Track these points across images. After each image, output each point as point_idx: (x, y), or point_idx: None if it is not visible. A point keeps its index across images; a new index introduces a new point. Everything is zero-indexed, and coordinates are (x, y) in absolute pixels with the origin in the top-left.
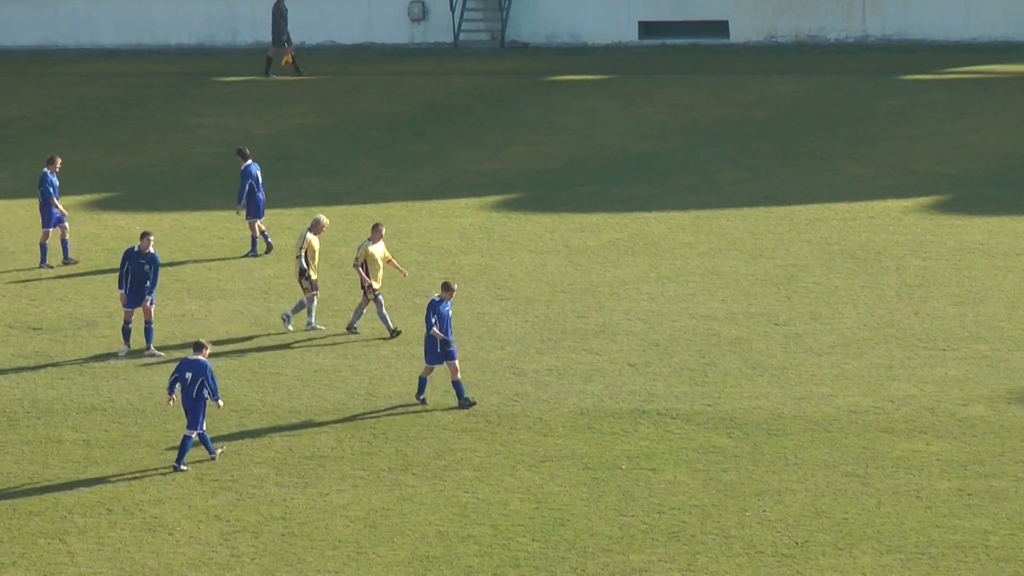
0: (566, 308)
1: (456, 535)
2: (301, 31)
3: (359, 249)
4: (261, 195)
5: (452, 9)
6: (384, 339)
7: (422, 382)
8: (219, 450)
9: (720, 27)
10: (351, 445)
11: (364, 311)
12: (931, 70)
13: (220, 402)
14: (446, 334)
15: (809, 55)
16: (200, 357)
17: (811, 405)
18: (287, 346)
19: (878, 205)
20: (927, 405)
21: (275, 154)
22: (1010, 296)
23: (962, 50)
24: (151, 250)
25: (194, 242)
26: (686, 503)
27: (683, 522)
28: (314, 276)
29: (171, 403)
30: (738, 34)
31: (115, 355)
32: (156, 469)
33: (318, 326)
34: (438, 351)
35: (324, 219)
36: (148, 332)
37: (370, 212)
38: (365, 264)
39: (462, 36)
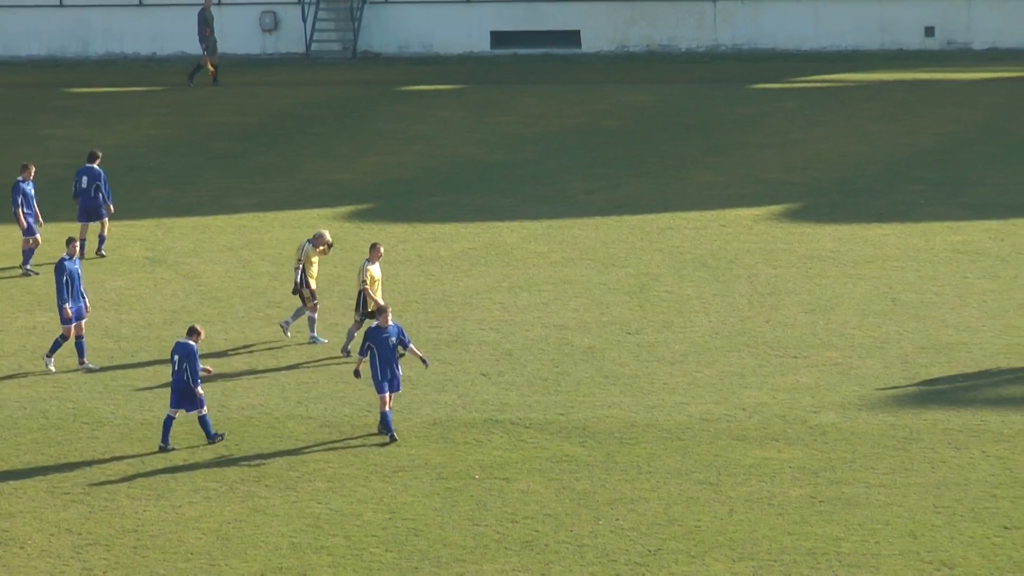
0: (419, 318)
1: (309, 546)
2: (153, 42)
3: (361, 271)
4: (95, 200)
5: (304, 19)
6: (237, 351)
7: (386, 417)
8: (220, 437)
9: (572, 37)
10: (203, 457)
11: (356, 333)
12: (781, 79)
13: (199, 389)
14: (388, 365)
15: (660, 64)
16: (190, 341)
17: (663, 413)
18: (139, 359)
19: (729, 213)
20: (779, 413)
21: (126, 165)
22: (860, 303)
23: (812, 59)
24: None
25: (44, 254)
26: (539, 512)
27: (536, 531)
28: (313, 287)
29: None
30: (590, 44)
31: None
32: (6, 482)
33: (320, 339)
34: (379, 379)
35: (327, 234)
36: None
37: (221, 223)
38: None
39: (314, 46)
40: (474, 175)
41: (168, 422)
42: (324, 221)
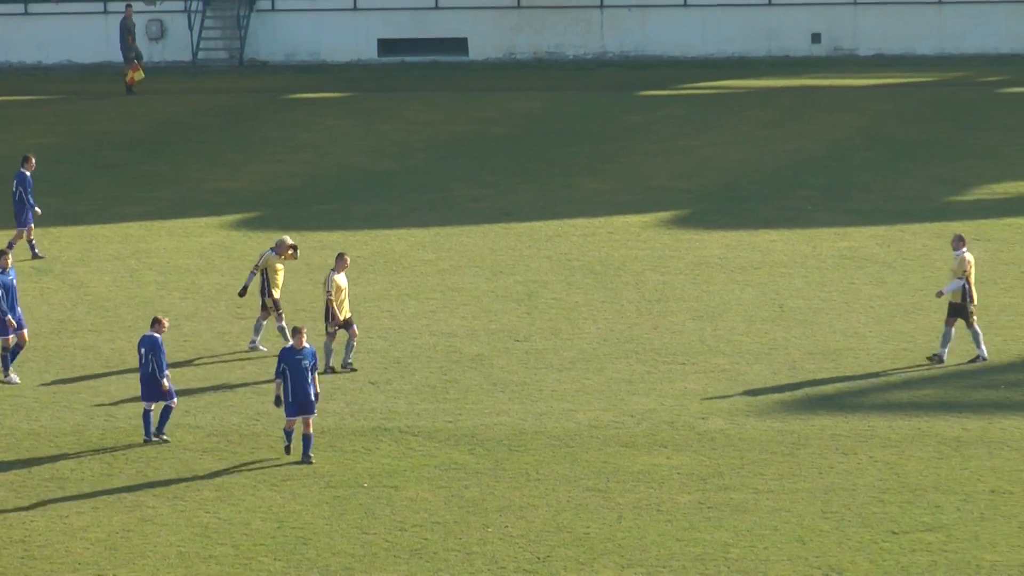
0: (308, 327)
1: (198, 555)
2: (39, 50)
3: (327, 281)
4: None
5: (190, 27)
6: (124, 360)
7: (288, 434)
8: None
9: (459, 44)
10: (90, 467)
11: (332, 347)
12: (669, 86)
13: (166, 380)
14: (302, 388)
15: (548, 72)
16: (154, 333)
17: (552, 420)
18: (26, 369)
19: (617, 220)
20: (667, 419)
21: (12, 174)
22: (748, 310)
23: (699, 66)
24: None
25: None
26: (428, 520)
27: (425, 539)
28: (276, 296)
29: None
30: (477, 51)
31: None
32: None
33: (261, 347)
34: (289, 400)
35: (287, 239)
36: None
37: (108, 233)
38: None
39: (201, 54)
40: (361, 183)
41: (146, 416)
42: (211, 230)
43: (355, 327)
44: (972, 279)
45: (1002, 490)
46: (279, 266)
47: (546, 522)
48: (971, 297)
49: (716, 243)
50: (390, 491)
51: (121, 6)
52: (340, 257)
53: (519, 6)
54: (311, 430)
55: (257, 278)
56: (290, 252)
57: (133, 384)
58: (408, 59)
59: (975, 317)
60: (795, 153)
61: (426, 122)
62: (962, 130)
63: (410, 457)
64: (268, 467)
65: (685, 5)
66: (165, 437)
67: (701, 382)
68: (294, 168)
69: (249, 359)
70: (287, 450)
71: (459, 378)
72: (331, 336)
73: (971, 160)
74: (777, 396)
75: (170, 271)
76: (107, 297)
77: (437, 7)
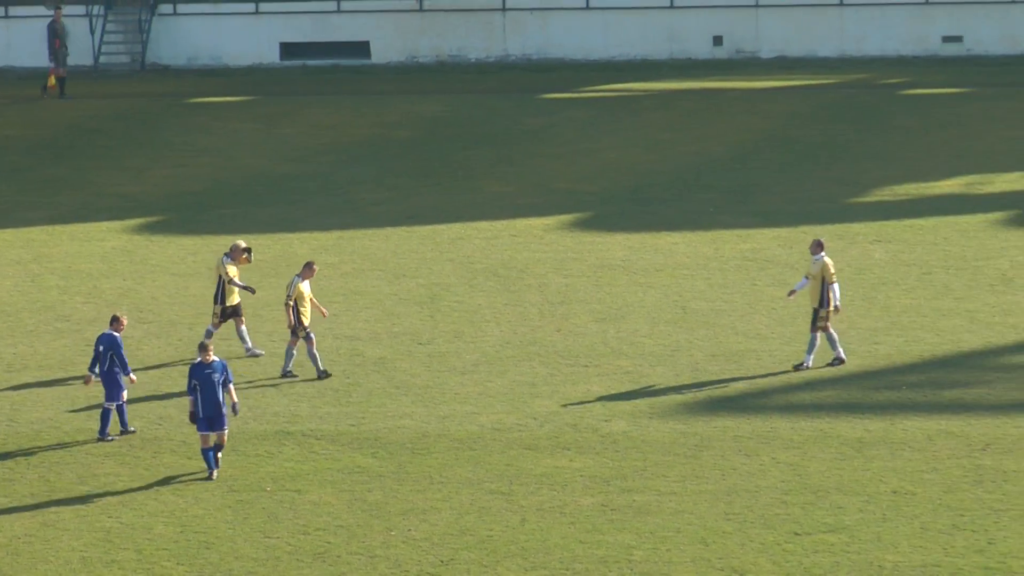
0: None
1: (100, 560)
2: None
3: (290, 287)
4: None
5: (92, 31)
6: (26, 365)
7: (206, 455)
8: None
9: (361, 48)
10: None
11: (295, 352)
12: (571, 88)
13: (132, 376)
14: (212, 402)
15: (450, 75)
16: (113, 332)
17: (455, 423)
18: None
19: (520, 223)
20: (570, 421)
21: None
22: (651, 312)
23: (601, 68)
24: None
25: None
26: (331, 524)
27: (328, 543)
28: (231, 302)
29: (88, 382)
30: (379, 54)
31: None
32: None
33: (258, 351)
34: (201, 416)
35: (241, 243)
36: None
37: (10, 237)
38: (296, 302)
39: (102, 59)
40: (264, 187)
41: (105, 415)
42: (113, 234)
43: (312, 336)
44: (835, 283)
45: (904, 491)
46: (234, 271)
47: (449, 525)
48: (828, 302)
49: (619, 245)
50: (293, 495)
51: (21, 10)
52: (308, 266)
53: (421, 9)
54: (224, 441)
55: (215, 284)
56: (244, 258)
57: (36, 390)
58: (310, 63)
59: (829, 322)
60: (697, 155)
61: (329, 126)
62: (864, 132)
63: (313, 461)
64: (170, 472)
65: (587, 8)
66: (131, 428)
67: (604, 384)
68: (197, 172)
69: (153, 365)
70: (211, 476)
71: (362, 381)
72: (296, 341)
73: (873, 162)
74: (680, 398)
75: (72, 276)
76: (8, 302)
77: (339, 10)
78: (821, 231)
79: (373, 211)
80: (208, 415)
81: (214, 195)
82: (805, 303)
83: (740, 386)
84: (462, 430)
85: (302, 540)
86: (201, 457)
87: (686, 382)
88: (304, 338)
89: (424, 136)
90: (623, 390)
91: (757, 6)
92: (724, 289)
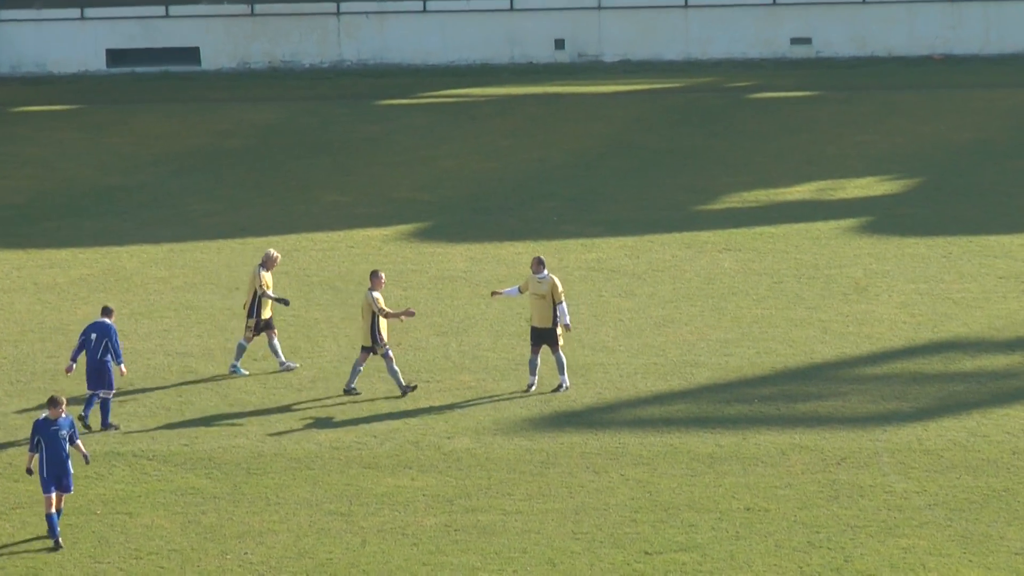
0: (35, 348)
1: None
2: None
3: (371, 297)
4: None
5: None
6: None
7: (51, 520)
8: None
9: (191, 54)
10: None
11: (361, 368)
12: (409, 95)
13: (123, 368)
14: (58, 460)
15: (284, 81)
16: (107, 320)
17: (292, 442)
18: None
19: (358, 234)
20: (411, 439)
21: None
22: (493, 325)
23: (440, 73)
24: None
25: None
26: (164, 547)
27: (162, 567)
28: (264, 315)
29: (71, 370)
30: (210, 61)
31: None
32: None
33: (292, 364)
34: (46, 476)
35: (273, 251)
36: None
37: None
38: (374, 318)
39: None
40: (91, 199)
41: (105, 404)
42: None
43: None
44: (563, 302)
45: (757, 507)
46: (269, 281)
47: (287, 548)
48: (559, 322)
49: (460, 256)
50: (124, 518)
51: None
52: (374, 274)
53: (253, 14)
54: (62, 505)
55: (249, 297)
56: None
57: None
58: (138, 70)
59: (562, 342)
60: (540, 163)
61: (158, 135)
62: (711, 137)
63: (145, 482)
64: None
65: (424, 11)
66: (115, 424)
67: (446, 400)
68: (20, 184)
69: None
70: (57, 544)
71: (195, 400)
72: (366, 358)
73: (721, 167)
74: (525, 413)
75: None
76: None
77: (167, 15)
78: (668, 240)
79: (205, 223)
80: (55, 474)
81: (38, 207)
82: (655, 314)
83: (587, 400)
84: (299, 449)
85: (134, 565)
86: (51, 535)
87: (531, 397)
88: (383, 356)
89: (257, 145)
90: (466, 406)
91: (599, 8)
92: (569, 300)
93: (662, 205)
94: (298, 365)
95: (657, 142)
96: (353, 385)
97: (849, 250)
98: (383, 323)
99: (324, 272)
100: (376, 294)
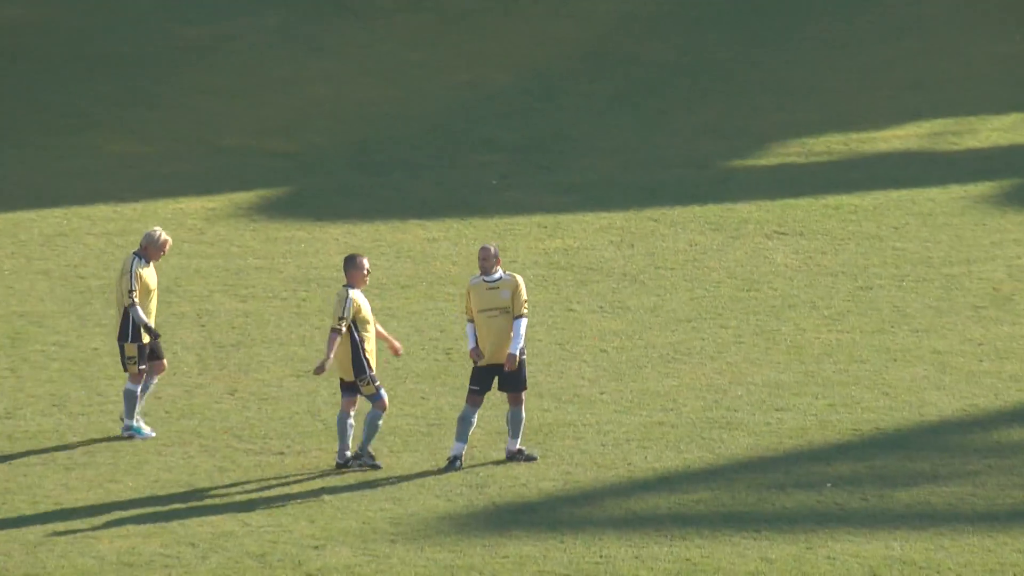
0: None
1: None
2: None
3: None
4: None
5: None
6: None
7: None
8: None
9: None
10: None
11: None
12: None
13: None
14: None
15: None
16: None
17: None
18: None
19: (164, 207)
20: (255, 549)
21: None
22: (391, 356)
23: None
24: None
25: None
26: None
27: None
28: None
29: None
30: None
31: None
32: None
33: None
34: None
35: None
36: None
37: None
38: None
39: None
40: None
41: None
42: None
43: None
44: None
45: None
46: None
47: None
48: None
49: (336, 244)
50: None
51: None
52: (351, 262)
53: None
54: None
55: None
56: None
57: None
58: None
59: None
60: (471, 89)
61: None
62: (751, 46)
63: None
64: None
65: None
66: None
67: (313, 482)
68: None
69: None
70: None
71: None
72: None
73: (768, 97)
74: (444, 506)
75: None
76: None
77: None
78: (683, 216)
79: None
80: None
81: None
82: (700, 342)
83: (548, 485)
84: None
85: None
86: None
87: (456, 476)
88: (373, 395)
89: None
90: (345, 491)
91: None
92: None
93: (670, 159)
94: (154, 434)
95: (662, 54)
96: (348, 452)
97: (983, 235)
98: (369, 341)
99: (107, 272)
100: (354, 295)
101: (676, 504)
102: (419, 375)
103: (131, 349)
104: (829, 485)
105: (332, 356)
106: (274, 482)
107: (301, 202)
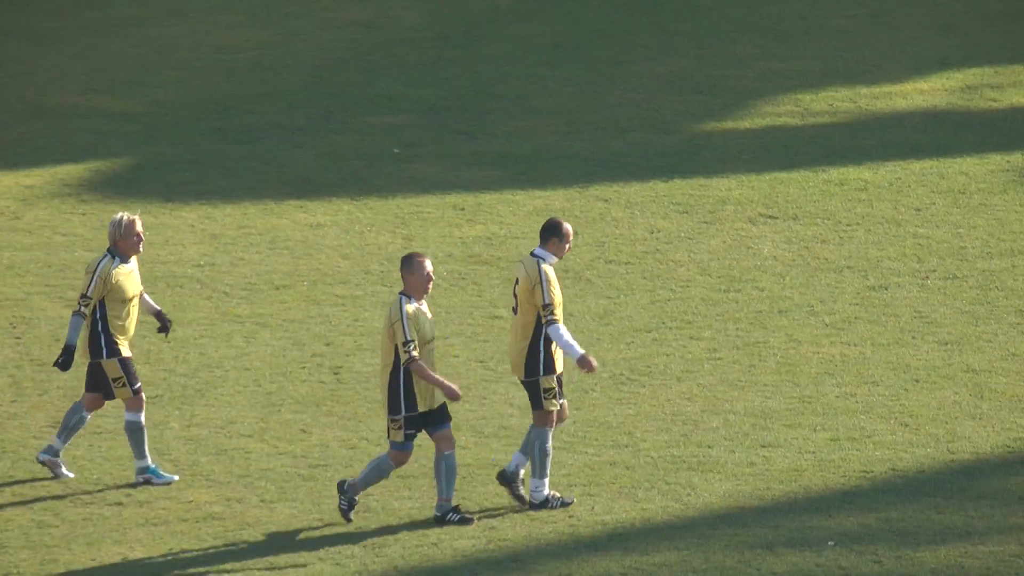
0: None
1: None
2: None
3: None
4: None
5: None
6: None
7: None
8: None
9: None
10: None
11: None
12: None
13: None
14: None
15: None
16: None
17: None
18: None
19: None
20: None
21: None
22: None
23: None
24: None
25: None
26: None
27: None
28: None
29: None
30: None
31: None
32: None
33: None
34: None
35: (125, 216)
36: None
37: None
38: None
39: None
40: None
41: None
42: None
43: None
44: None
45: None
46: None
47: None
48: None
49: (194, 234)
50: None
51: None
52: (410, 262)
53: None
54: None
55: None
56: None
57: None
58: None
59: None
60: (365, 29)
61: None
62: None
63: None
64: None
65: None
66: None
67: (238, 554)
68: None
69: None
70: None
71: None
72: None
73: (750, 37)
74: None
75: None
76: None
77: None
78: (642, 195)
79: None
80: None
81: None
82: (666, 360)
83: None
84: None
85: None
86: None
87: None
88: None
89: None
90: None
91: None
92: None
93: (626, 121)
94: (176, 478)
95: None
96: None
97: None
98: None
99: None
100: (411, 308)
101: (632, 569)
102: (298, 402)
103: (112, 367)
104: (831, 543)
105: (441, 379)
106: (115, 541)
107: (145, 177)
